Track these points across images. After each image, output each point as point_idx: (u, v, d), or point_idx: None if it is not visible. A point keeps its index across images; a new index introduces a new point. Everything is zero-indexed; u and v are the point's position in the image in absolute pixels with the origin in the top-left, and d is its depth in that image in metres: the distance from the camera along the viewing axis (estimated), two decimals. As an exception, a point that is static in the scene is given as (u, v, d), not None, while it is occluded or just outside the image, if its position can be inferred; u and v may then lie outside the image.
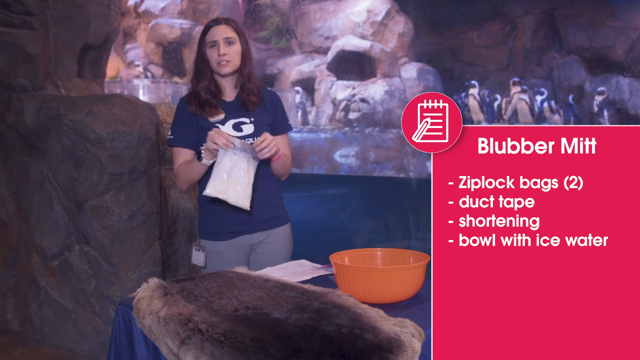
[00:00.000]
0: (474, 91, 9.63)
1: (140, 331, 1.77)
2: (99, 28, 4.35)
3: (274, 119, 2.55)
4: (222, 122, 2.45)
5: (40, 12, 3.91)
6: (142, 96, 9.19)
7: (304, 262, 2.37)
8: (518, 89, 9.41)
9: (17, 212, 3.92)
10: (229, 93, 2.53)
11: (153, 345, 1.73)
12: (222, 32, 2.44)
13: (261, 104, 2.52)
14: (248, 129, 2.47)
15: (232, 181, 2.24)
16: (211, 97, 2.46)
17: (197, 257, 2.49)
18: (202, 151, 2.33)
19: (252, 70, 2.53)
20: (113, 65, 10.18)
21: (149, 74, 10.82)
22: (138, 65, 10.78)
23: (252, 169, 2.28)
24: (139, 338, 1.78)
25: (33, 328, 3.84)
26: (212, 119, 2.45)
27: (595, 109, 9.16)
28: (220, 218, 2.46)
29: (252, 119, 2.48)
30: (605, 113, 9.06)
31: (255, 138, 2.45)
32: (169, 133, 2.51)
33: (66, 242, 3.62)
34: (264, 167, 2.45)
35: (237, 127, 2.47)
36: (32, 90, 3.86)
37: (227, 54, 2.43)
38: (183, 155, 2.47)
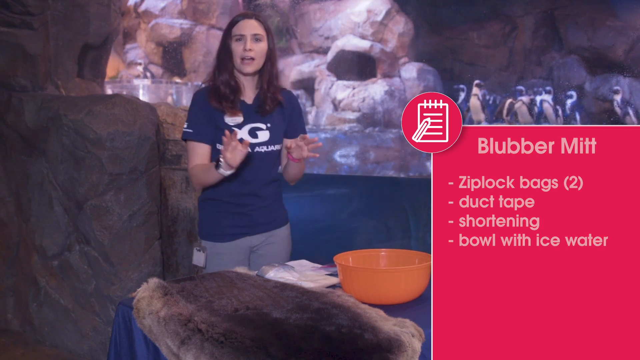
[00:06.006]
0: (476, 91, 9.63)
1: (140, 331, 1.77)
2: (99, 28, 4.36)
3: (289, 123, 2.48)
4: (240, 126, 2.36)
5: (40, 12, 3.91)
6: (142, 96, 9.19)
7: (304, 262, 2.37)
8: (524, 97, 9.41)
9: (17, 212, 3.92)
10: (249, 94, 2.43)
11: (153, 345, 1.73)
12: (251, 27, 2.33)
13: (279, 107, 2.44)
14: (263, 135, 2.40)
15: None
16: (229, 92, 2.36)
17: (198, 258, 2.47)
18: (220, 160, 2.21)
19: (277, 70, 2.43)
20: (113, 65, 10.17)
21: (148, 74, 10.81)
22: (140, 64, 10.77)
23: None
24: (139, 338, 1.78)
25: (33, 328, 3.84)
26: (230, 121, 2.36)
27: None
28: (221, 220, 2.43)
29: (268, 125, 2.41)
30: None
31: (269, 146, 2.40)
32: (186, 126, 2.38)
33: (66, 242, 3.62)
34: (266, 171, 2.43)
35: (252, 132, 2.39)
36: (32, 90, 3.86)
37: (253, 50, 2.32)
38: (201, 152, 2.37)
